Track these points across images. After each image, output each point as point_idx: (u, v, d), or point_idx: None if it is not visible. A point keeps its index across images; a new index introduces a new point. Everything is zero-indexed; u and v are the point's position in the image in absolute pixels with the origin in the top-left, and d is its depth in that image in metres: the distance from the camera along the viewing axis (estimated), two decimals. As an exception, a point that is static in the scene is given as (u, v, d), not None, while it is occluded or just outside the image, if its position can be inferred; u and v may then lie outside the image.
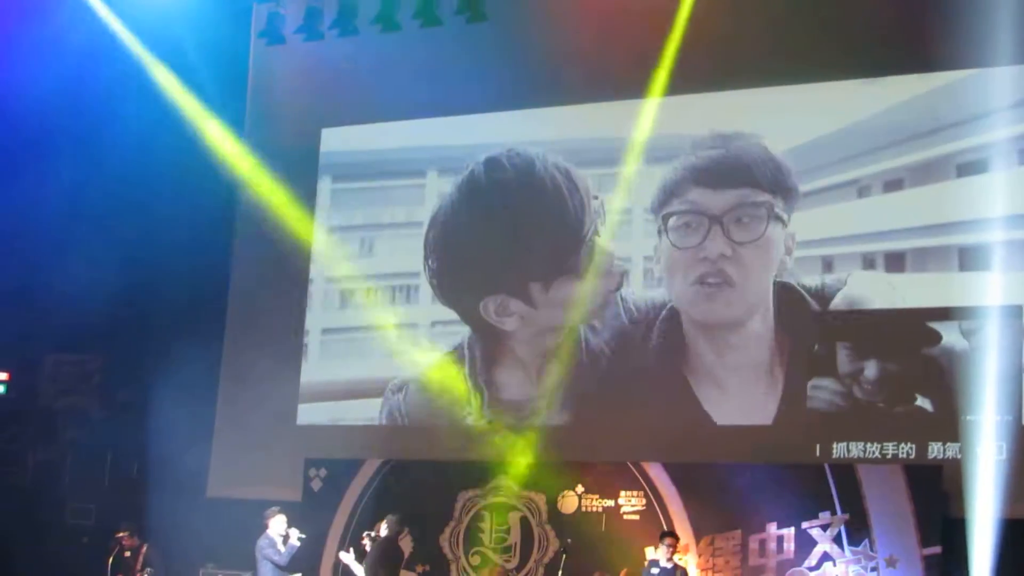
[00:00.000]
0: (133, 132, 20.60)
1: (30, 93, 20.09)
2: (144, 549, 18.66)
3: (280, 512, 17.62)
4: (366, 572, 16.91)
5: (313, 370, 20.60)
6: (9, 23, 20.04)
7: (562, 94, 19.47)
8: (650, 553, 16.89)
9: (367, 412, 20.10)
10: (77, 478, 21.48)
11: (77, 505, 21.29)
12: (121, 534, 18.60)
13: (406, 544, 18.58)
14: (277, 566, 17.19)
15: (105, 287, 20.06)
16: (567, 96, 19.47)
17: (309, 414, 20.44)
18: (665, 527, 17.29)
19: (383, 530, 17.15)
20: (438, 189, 20.19)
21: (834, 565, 16.61)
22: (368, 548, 17.21)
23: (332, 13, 20.37)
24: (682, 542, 17.07)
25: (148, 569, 18.51)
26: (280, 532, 17.37)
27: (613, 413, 18.50)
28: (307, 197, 21.00)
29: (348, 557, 17.52)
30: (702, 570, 17.20)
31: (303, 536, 17.50)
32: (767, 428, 17.71)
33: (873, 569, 16.40)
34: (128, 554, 18.63)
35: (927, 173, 17.41)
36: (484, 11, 19.57)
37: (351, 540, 18.89)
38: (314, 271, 20.90)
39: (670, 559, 16.29)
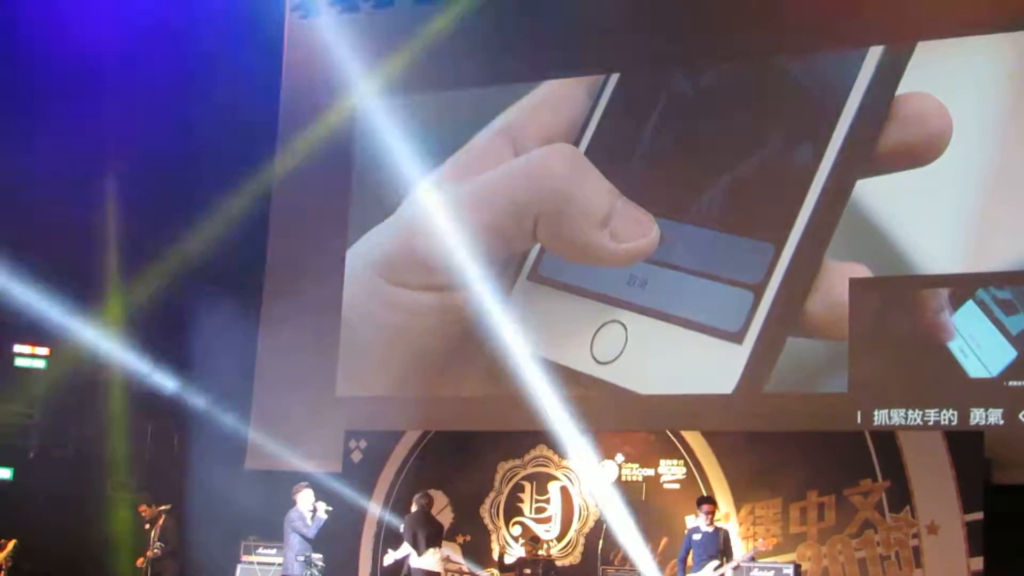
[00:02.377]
0: (172, 118, 20.57)
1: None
2: (161, 520, 18.66)
3: (308, 486, 17.61)
4: (408, 545, 16.98)
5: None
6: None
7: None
8: (690, 521, 16.83)
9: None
10: (119, 451, 21.51)
11: (118, 479, 21.34)
12: (162, 507, 18.65)
13: (445, 516, 18.61)
14: (305, 539, 17.20)
15: (142, 261, 20.15)
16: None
17: (349, 385, 20.45)
18: (705, 495, 17.24)
19: (413, 509, 17.23)
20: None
21: (875, 532, 16.54)
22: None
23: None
24: (722, 510, 17.05)
25: (159, 544, 18.53)
26: (308, 507, 17.36)
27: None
28: (343, 170, 21.01)
29: (392, 555, 17.58)
30: (743, 539, 17.14)
31: (330, 509, 17.48)
32: (810, 396, 17.63)
33: (915, 535, 16.31)
34: (147, 526, 18.71)
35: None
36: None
37: (391, 511, 18.98)
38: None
39: (711, 523, 16.26)
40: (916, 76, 17.52)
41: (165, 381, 20.95)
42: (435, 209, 20.10)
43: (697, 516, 16.45)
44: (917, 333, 17.24)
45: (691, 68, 19.12)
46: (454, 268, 19.69)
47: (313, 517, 17.30)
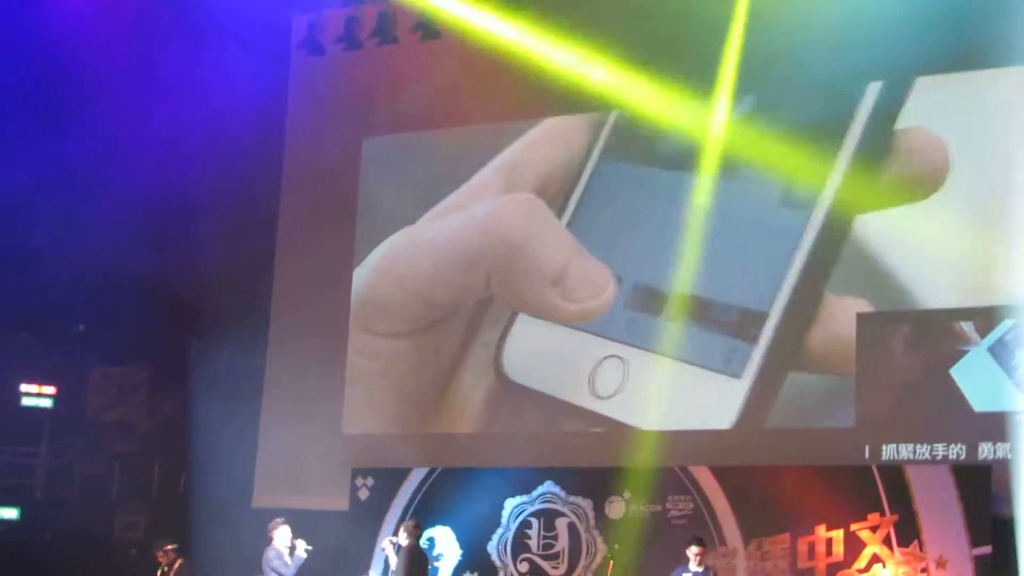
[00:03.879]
0: (181, 147, 20.58)
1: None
2: (177, 565, 18.51)
3: (284, 522, 17.49)
4: None
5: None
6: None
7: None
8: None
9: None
10: (125, 491, 21.55)
11: (125, 518, 21.36)
12: (169, 547, 18.59)
13: (453, 553, 18.59)
14: None
15: (150, 299, 20.18)
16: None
17: (355, 423, 20.48)
18: (713, 532, 17.24)
19: (403, 537, 17.22)
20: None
21: (884, 567, 16.51)
22: (390, 556, 17.31)
23: (371, 22, 20.44)
24: (729, 546, 17.04)
25: None
26: (286, 543, 17.28)
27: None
28: (349, 207, 21.09)
29: (389, 548, 17.58)
30: (751, 574, 17.13)
31: (310, 548, 17.41)
32: (817, 431, 17.65)
33: (923, 570, 16.26)
34: (164, 570, 18.59)
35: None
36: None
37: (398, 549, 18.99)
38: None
39: (700, 564, 16.22)
40: (915, 110, 17.62)
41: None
42: (399, 253, 20.16)
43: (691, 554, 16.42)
44: (924, 368, 17.25)
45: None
46: (416, 315, 19.79)
47: (292, 555, 17.21)
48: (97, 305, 20.83)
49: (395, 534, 17.74)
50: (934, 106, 17.52)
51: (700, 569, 16.17)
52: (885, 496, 16.69)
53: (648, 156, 19.18)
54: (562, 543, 18.59)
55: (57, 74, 20.36)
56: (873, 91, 17.78)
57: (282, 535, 17.30)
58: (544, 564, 18.60)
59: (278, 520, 17.55)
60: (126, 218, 20.55)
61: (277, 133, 21.59)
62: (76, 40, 20.05)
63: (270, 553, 17.19)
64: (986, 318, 16.90)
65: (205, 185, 20.88)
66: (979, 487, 16.30)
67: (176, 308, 20.95)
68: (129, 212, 20.46)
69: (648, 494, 18.17)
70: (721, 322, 18.22)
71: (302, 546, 17.26)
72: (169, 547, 18.45)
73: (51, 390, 21.25)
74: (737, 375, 17.98)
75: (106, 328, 20.99)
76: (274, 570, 17.07)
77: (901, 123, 17.59)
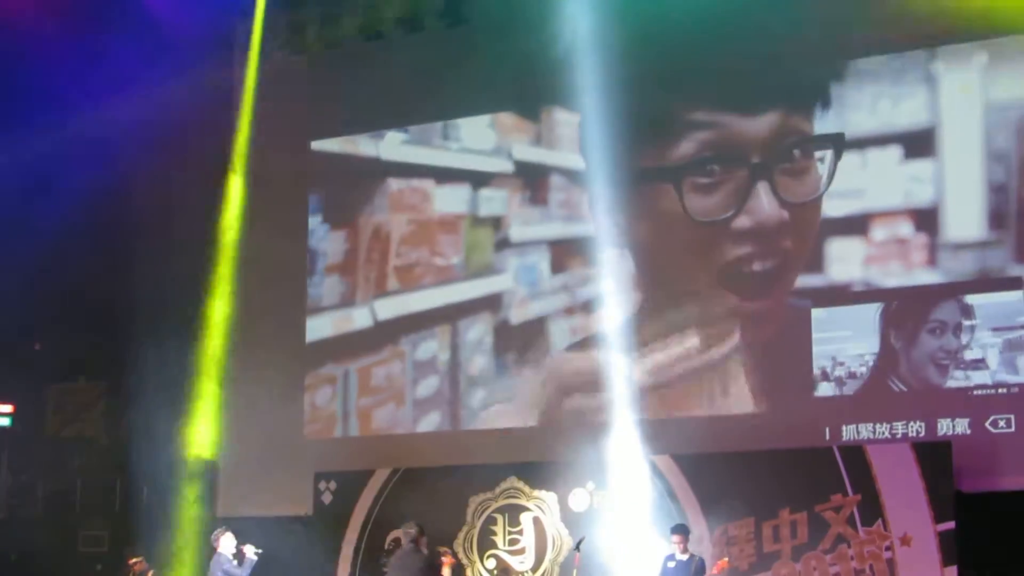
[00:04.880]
0: (128, 158, 20.46)
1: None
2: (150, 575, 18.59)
3: (227, 530, 17.48)
4: None
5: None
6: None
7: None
8: (667, 549, 16.81)
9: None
10: (88, 506, 21.45)
11: (89, 533, 21.26)
12: (132, 560, 18.52)
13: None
14: None
15: (102, 314, 20.09)
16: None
17: (316, 426, 20.42)
18: (678, 519, 17.25)
19: (405, 540, 17.17)
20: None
21: (849, 547, 16.57)
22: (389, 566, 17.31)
23: (316, 25, 20.39)
24: (695, 532, 17.05)
25: None
26: (231, 550, 17.28)
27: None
28: (299, 207, 21.04)
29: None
30: (715, 559, 17.15)
31: (259, 551, 17.35)
32: (775, 414, 17.69)
33: (888, 548, 16.33)
34: None
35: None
36: (465, 14, 19.56)
37: (365, 551, 18.96)
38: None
39: (684, 551, 16.26)
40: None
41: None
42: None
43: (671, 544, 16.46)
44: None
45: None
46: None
47: (242, 560, 17.17)
48: (50, 321, 20.68)
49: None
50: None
51: (685, 557, 16.20)
52: (847, 477, 16.72)
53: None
54: (528, 538, 18.57)
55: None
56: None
57: (227, 543, 17.32)
58: (510, 559, 18.58)
59: (220, 530, 17.55)
60: (77, 231, 20.44)
61: (225, 137, 21.45)
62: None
63: (220, 559, 17.17)
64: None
65: (154, 196, 20.78)
66: (940, 463, 16.35)
67: (129, 320, 20.81)
68: (80, 225, 20.36)
69: (611, 485, 18.20)
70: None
71: (251, 550, 17.21)
72: (138, 558, 18.42)
73: (8, 408, 21.08)
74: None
75: (61, 344, 20.81)
76: (228, 573, 17.03)
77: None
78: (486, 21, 19.61)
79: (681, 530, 16.46)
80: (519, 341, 19.68)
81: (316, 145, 21.21)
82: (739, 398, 18.16)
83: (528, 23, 19.02)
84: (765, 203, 17.92)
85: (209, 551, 18.79)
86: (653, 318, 18.75)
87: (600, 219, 19.07)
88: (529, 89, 19.45)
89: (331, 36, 20.41)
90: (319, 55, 20.88)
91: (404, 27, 19.94)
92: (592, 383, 18.98)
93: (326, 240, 21.01)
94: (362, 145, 20.76)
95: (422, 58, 20.12)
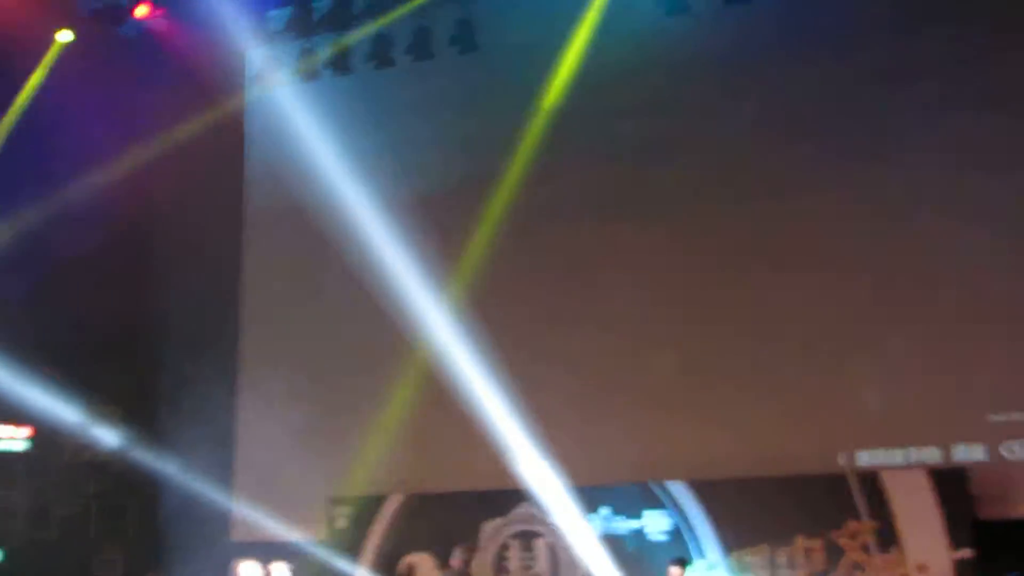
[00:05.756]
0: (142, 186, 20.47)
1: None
2: None
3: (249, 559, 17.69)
4: None
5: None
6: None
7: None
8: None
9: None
10: (103, 530, 21.45)
11: (104, 557, 21.25)
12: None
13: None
14: None
15: (119, 338, 20.12)
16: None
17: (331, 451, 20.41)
18: (690, 546, 17.18)
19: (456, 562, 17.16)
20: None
21: (864, 573, 16.47)
22: None
23: (326, 53, 20.38)
24: (709, 559, 16.98)
25: None
26: None
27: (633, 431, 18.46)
28: (312, 236, 20.93)
29: None
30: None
31: None
32: (791, 439, 17.62)
33: (904, 576, 16.31)
34: None
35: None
36: (476, 41, 19.53)
37: (378, 576, 19.03)
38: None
39: (683, 584, 16.24)
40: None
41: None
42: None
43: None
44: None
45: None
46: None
47: None
48: (68, 346, 20.73)
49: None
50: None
51: (682, 590, 16.17)
52: (863, 503, 16.68)
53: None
54: (542, 564, 18.52)
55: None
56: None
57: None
58: (520, 584, 18.58)
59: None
60: (98, 259, 20.52)
61: (237, 166, 21.49)
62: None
63: None
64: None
65: (170, 224, 20.83)
66: (956, 490, 16.31)
67: (145, 346, 20.83)
68: (101, 253, 20.45)
69: (625, 511, 18.14)
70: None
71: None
72: None
73: (27, 432, 21.10)
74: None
75: (79, 369, 20.83)
76: None
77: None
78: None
79: (680, 562, 16.36)
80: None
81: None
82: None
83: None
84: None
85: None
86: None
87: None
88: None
89: (342, 63, 20.35)
90: (331, 80, 20.79)
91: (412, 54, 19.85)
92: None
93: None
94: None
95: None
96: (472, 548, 17.34)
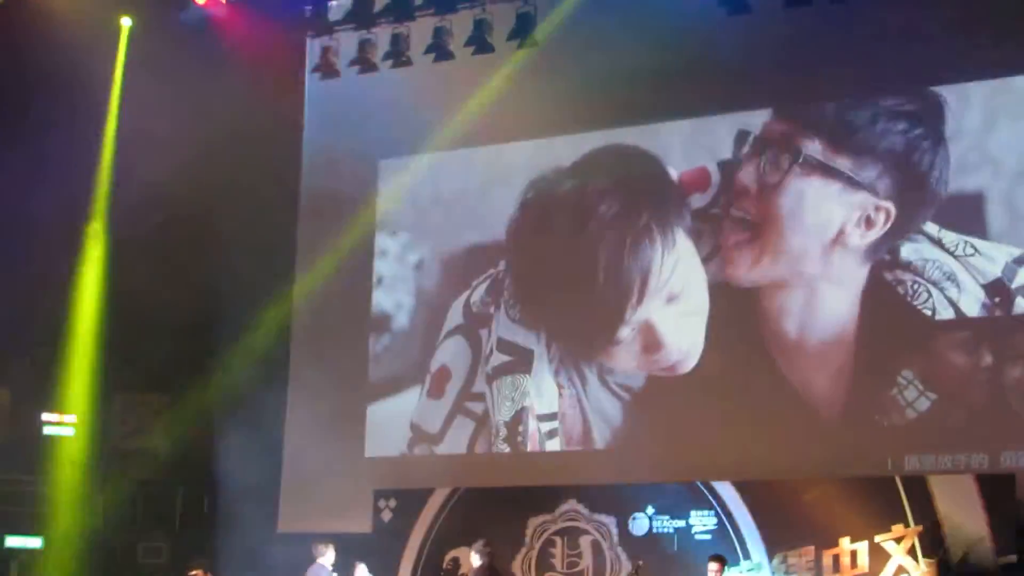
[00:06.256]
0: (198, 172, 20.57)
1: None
2: None
3: (331, 544, 17.86)
4: None
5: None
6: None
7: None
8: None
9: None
10: (148, 517, 21.55)
11: (149, 544, 21.36)
12: (193, 572, 18.59)
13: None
14: None
15: (170, 322, 20.22)
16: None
17: (377, 445, 20.50)
18: (737, 546, 17.25)
19: (475, 559, 17.19)
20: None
21: (908, 576, 16.54)
22: None
23: (385, 45, 20.43)
24: (753, 560, 17.03)
25: None
26: (331, 563, 17.56)
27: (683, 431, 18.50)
28: (366, 230, 21.14)
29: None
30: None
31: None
32: (838, 441, 17.60)
33: (949, 581, 16.31)
34: None
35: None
36: (536, 37, 19.55)
37: (423, 570, 19.04)
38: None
39: (721, 580, 16.30)
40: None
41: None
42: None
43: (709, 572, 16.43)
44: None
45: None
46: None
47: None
48: (118, 331, 20.88)
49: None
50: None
51: (722, 585, 16.23)
52: (909, 507, 16.71)
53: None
54: (586, 561, 18.61)
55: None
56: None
57: (330, 555, 17.68)
58: (568, 581, 18.63)
59: (326, 543, 17.87)
60: (142, 242, 20.63)
61: (294, 156, 21.59)
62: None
63: (319, 571, 17.47)
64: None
65: (223, 209, 20.93)
66: (1004, 496, 16.28)
67: (196, 333, 20.94)
68: (145, 236, 20.55)
69: (671, 510, 18.20)
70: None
71: (364, 570, 17.76)
72: (197, 569, 18.52)
73: (71, 418, 21.21)
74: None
75: (127, 354, 20.96)
76: None
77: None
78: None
79: (719, 559, 16.42)
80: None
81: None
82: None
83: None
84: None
85: (267, 567, 19.08)
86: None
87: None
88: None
89: (401, 54, 20.40)
90: (385, 74, 20.84)
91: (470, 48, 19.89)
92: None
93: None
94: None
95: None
96: (489, 544, 17.37)
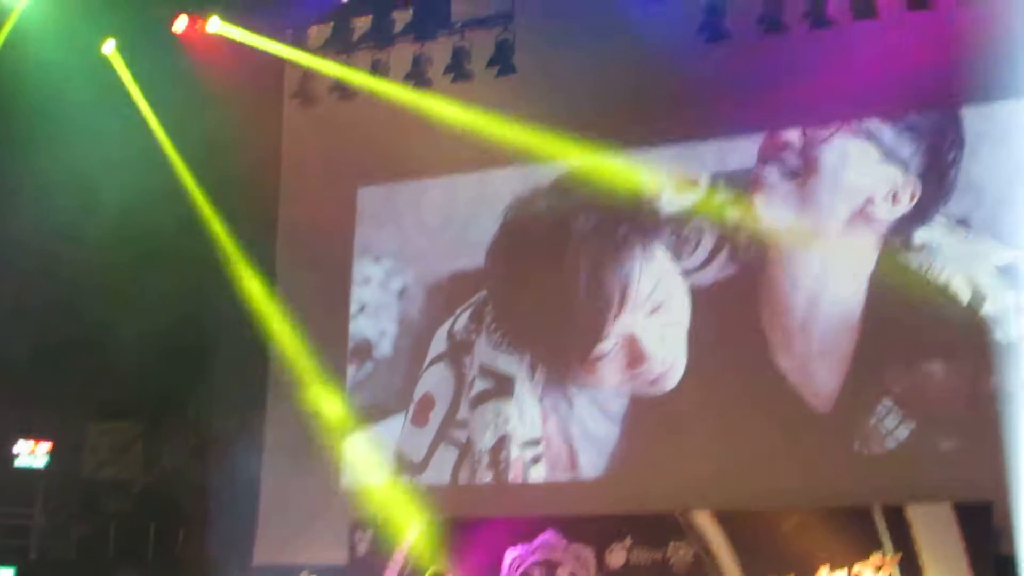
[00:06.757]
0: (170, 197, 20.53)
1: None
2: None
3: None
4: None
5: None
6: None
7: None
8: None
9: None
10: (121, 550, 21.45)
11: (125, 577, 21.27)
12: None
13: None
14: None
15: (146, 352, 20.15)
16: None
17: (357, 475, 20.39)
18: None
19: None
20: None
21: (888, 604, 16.49)
22: None
23: (365, 71, 20.46)
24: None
25: None
26: None
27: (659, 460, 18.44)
28: (344, 255, 21.10)
29: None
30: (755, 615, 17.10)
31: None
32: (818, 469, 17.59)
33: (928, 608, 16.26)
34: None
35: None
36: (514, 64, 19.62)
37: (399, 602, 19.01)
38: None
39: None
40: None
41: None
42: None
43: None
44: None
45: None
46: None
47: None
48: (91, 359, 20.81)
49: None
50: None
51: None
52: (888, 535, 16.63)
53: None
54: (564, 592, 18.53)
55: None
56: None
57: None
58: (542, 612, 18.53)
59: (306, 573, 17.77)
60: (113, 269, 20.57)
61: (272, 182, 21.59)
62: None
63: None
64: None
65: (200, 235, 20.88)
66: (981, 524, 16.26)
67: (171, 362, 20.86)
68: (116, 263, 20.50)
69: (649, 541, 18.13)
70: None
71: None
72: None
73: (47, 447, 21.14)
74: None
75: (100, 383, 20.91)
76: None
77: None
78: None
79: None
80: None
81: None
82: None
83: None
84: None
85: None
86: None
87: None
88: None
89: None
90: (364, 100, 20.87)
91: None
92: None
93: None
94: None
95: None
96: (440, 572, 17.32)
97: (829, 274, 17.89)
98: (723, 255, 18.55)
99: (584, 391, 19.13)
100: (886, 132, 17.79)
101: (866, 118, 17.88)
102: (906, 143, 17.66)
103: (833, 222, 17.90)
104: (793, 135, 18.30)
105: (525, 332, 19.66)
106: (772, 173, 18.34)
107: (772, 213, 18.30)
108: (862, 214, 17.73)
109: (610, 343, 18.88)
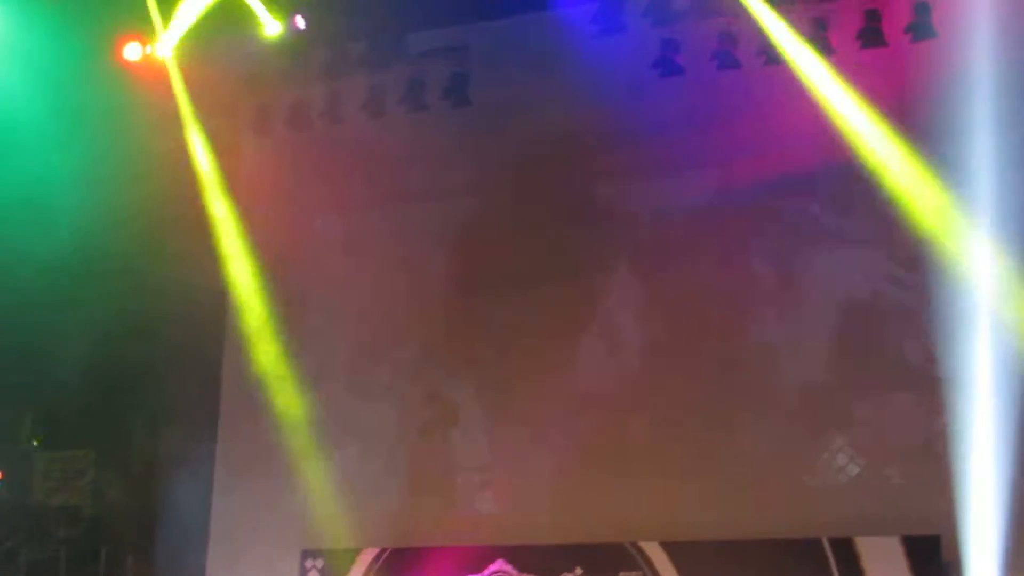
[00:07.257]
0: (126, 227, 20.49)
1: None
2: None
3: None
4: None
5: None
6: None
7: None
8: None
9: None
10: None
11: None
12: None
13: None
14: None
15: (97, 378, 20.09)
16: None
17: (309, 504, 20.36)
18: (666, 606, 17.27)
19: None
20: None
21: (837, 639, 16.59)
22: None
23: (320, 103, 20.52)
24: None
25: None
26: None
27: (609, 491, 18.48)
28: (302, 285, 20.99)
29: None
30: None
31: None
32: (767, 501, 17.68)
33: (876, 641, 16.38)
34: None
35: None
36: (469, 96, 19.70)
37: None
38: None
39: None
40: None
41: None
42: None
43: None
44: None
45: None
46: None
47: None
48: (40, 386, 20.74)
49: None
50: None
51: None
52: (836, 568, 16.78)
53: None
54: (517, 623, 18.55)
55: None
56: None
57: None
58: (497, 644, 18.54)
59: None
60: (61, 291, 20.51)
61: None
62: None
63: None
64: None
65: (152, 266, 20.83)
66: (929, 557, 16.41)
67: (121, 387, 20.81)
68: (63, 286, 20.43)
69: (599, 571, 18.15)
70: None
71: None
72: None
73: (-2, 474, 21.11)
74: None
75: (50, 410, 20.83)
76: None
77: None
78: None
79: None
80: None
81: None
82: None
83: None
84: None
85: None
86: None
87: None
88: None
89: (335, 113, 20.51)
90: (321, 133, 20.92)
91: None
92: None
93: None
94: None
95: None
96: None
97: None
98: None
99: (532, 418, 19.15)
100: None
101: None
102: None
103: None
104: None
105: (474, 361, 19.71)
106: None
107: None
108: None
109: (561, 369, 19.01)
